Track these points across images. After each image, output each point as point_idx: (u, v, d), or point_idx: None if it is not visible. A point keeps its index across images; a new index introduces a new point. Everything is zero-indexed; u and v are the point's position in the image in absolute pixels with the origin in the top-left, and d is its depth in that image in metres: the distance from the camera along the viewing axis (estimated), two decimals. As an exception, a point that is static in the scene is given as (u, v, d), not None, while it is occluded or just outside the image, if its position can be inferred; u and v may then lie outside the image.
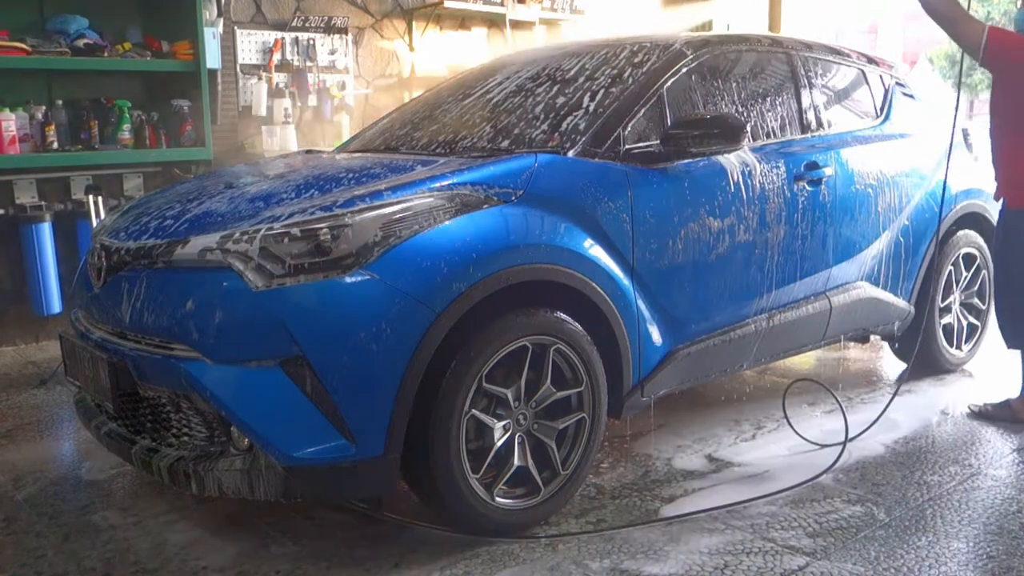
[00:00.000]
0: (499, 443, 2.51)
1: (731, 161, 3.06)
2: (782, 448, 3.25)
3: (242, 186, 2.74)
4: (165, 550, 2.54)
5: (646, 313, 2.84)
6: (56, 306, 4.82)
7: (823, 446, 3.21)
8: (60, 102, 4.86)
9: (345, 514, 2.72)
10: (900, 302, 3.83)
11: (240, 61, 5.67)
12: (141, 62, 4.97)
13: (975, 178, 4.17)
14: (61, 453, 3.39)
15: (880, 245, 3.69)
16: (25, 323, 4.97)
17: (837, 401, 3.42)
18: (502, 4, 6.66)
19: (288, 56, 5.87)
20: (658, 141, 2.89)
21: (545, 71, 3.32)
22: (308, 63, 5.94)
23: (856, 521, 2.66)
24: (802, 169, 3.32)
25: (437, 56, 6.58)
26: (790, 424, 3.36)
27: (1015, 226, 3.41)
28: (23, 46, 4.57)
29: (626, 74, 3.08)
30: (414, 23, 6.48)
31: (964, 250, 4.11)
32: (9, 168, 4.67)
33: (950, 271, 4.06)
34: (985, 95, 3.81)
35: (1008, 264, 3.47)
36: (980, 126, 3.86)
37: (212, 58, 5.21)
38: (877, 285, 3.72)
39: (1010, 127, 3.40)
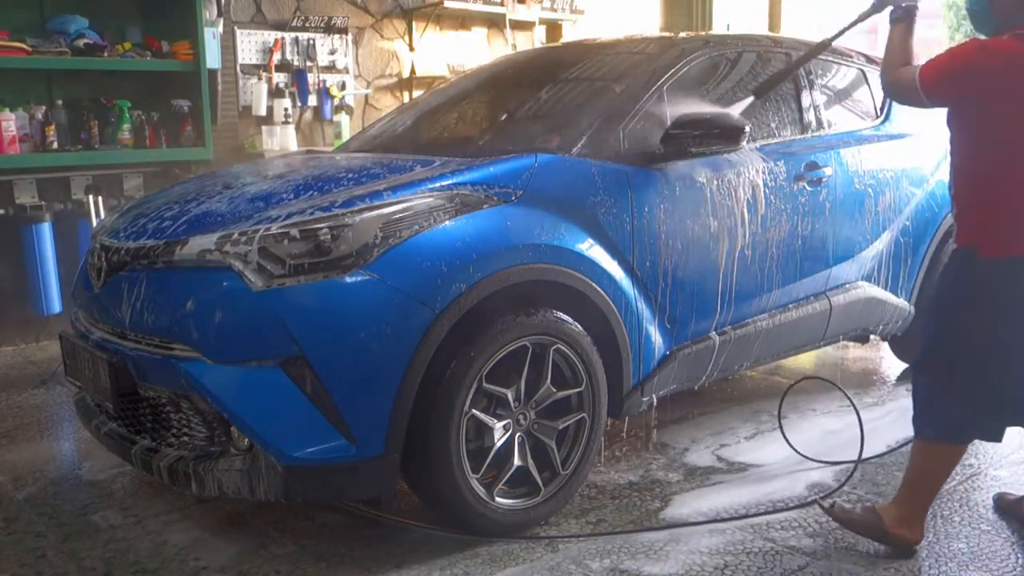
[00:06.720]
0: (499, 443, 2.51)
1: (731, 161, 3.06)
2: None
3: (241, 186, 2.74)
4: (165, 550, 2.54)
5: (646, 313, 2.84)
6: (56, 306, 4.81)
7: (829, 463, 3.09)
8: (60, 102, 4.86)
9: (345, 514, 2.72)
10: (900, 302, 3.83)
11: (240, 61, 5.68)
12: (141, 62, 4.97)
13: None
14: (61, 453, 3.39)
15: (880, 245, 3.68)
16: (25, 323, 4.96)
17: (857, 414, 3.11)
18: (502, 4, 6.65)
19: (288, 56, 5.87)
20: (658, 141, 2.89)
21: (545, 71, 3.32)
22: (308, 63, 5.95)
23: (856, 521, 2.66)
24: (802, 169, 3.31)
25: (437, 56, 6.57)
26: (785, 438, 3.22)
27: (987, 280, 2.41)
28: (23, 46, 4.57)
29: (626, 74, 3.08)
30: (414, 23, 6.48)
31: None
32: (9, 168, 4.67)
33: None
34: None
35: (970, 327, 2.44)
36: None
37: (212, 58, 5.21)
38: (877, 285, 3.72)
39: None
